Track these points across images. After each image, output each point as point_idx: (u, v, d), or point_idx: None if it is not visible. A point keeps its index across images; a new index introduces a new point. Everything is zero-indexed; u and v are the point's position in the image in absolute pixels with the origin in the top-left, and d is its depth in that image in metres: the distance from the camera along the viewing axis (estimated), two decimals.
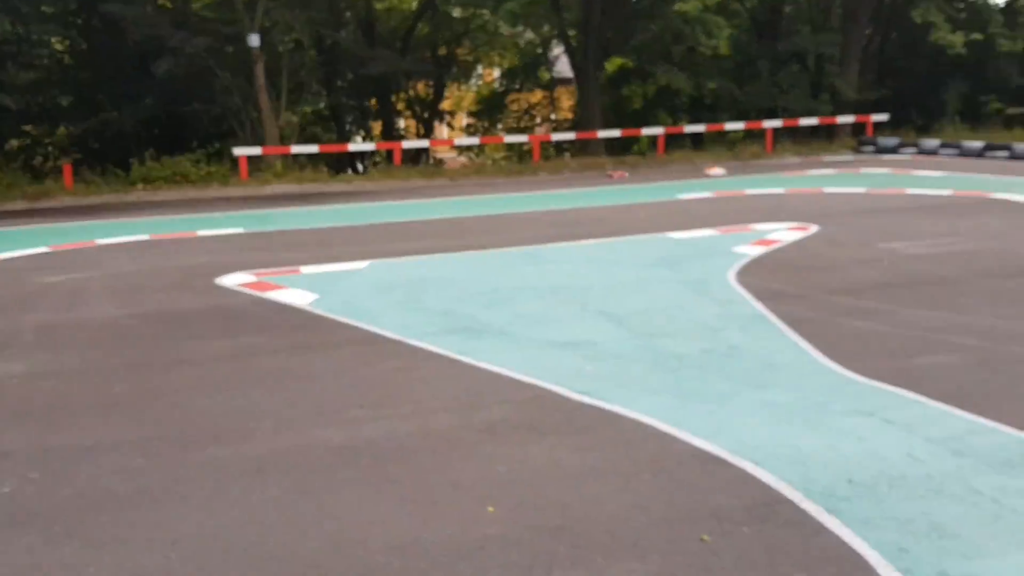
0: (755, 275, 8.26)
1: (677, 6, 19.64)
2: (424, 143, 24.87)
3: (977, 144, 19.65)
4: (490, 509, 3.74)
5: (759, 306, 7.09)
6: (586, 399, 5.08)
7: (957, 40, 22.13)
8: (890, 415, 4.66)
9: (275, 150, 20.41)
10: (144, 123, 22.08)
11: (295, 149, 21.02)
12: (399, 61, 24.47)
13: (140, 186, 18.56)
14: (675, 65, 22.66)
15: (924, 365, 5.49)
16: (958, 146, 19.88)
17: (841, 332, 6.30)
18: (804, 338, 6.13)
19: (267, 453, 4.46)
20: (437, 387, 5.38)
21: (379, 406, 5.07)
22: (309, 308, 7.59)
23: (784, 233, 10.49)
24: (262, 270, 9.32)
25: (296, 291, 8.24)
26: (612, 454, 4.29)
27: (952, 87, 24.79)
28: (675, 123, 25.32)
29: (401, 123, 29.39)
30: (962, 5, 25.10)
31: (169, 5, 22.60)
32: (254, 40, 19.83)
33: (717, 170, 18.73)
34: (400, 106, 28.46)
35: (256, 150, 20.04)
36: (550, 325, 6.76)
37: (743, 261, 8.95)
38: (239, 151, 19.66)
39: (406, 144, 23.82)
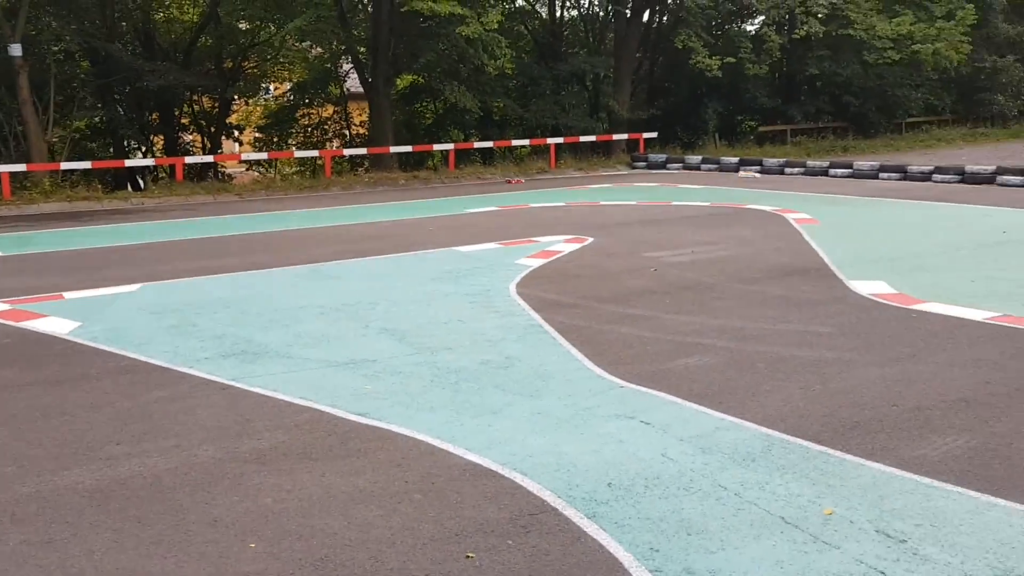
0: (534, 286, 8.53)
1: (459, 29, 20.00)
2: (209, 158, 23.80)
3: (733, 160, 21.46)
4: (251, 545, 3.60)
5: (536, 316, 7.33)
6: (363, 420, 5.03)
7: (713, 64, 24.10)
8: (648, 417, 4.94)
9: (42, 167, 18.80)
10: None
11: (65, 165, 19.49)
12: (180, 74, 23.32)
13: None
14: (463, 84, 23.08)
15: (680, 367, 5.88)
16: (717, 161, 21.59)
17: (609, 339, 6.62)
18: (575, 346, 6.40)
19: (7, 501, 4.07)
20: (204, 416, 5.14)
21: (138, 441, 4.77)
22: (69, 337, 7.03)
23: (563, 245, 10.92)
24: (19, 297, 8.54)
25: (56, 319, 7.61)
26: (384, 475, 4.27)
27: (711, 107, 26.92)
28: (466, 139, 25.81)
29: (188, 138, 27.97)
30: (719, 32, 27.32)
31: None
32: (15, 50, 18.22)
33: (752, 174, 19.96)
34: (185, 120, 27.10)
35: (20, 167, 18.40)
36: (331, 344, 6.65)
37: (524, 273, 9.22)
38: (1, 168, 17.97)
39: (189, 159, 22.69)
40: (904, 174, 18.16)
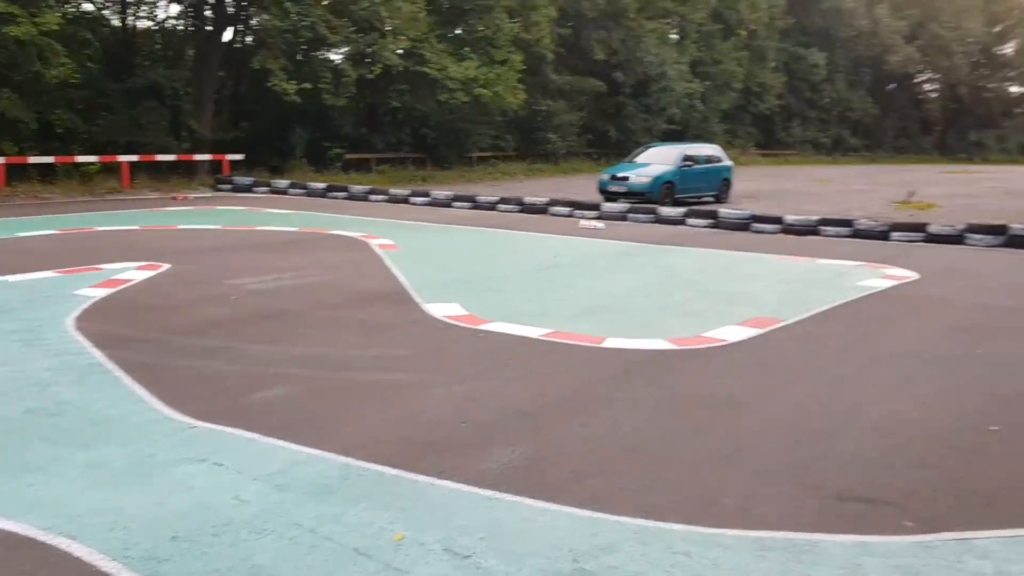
0: (97, 320, 7.70)
1: (8, 29, 17.60)
2: None
3: (321, 185, 21.66)
4: None
5: (98, 354, 6.59)
6: None
7: (290, 88, 24.11)
8: (221, 458, 4.66)
9: None
10: None
11: None
12: None
13: None
14: (16, 91, 20.33)
15: (260, 400, 5.66)
16: (305, 187, 21.63)
17: (182, 375, 6.17)
18: (142, 386, 5.85)
19: None
20: None
21: None
22: None
23: (134, 272, 10.04)
24: None
25: None
26: None
27: (299, 133, 26.95)
28: (20, 153, 22.74)
29: None
30: (304, 59, 27.38)
31: None
32: None
33: (595, 224, 16.42)
34: None
35: None
36: None
37: (86, 305, 8.29)
38: None
39: None
40: (474, 203, 19.69)
